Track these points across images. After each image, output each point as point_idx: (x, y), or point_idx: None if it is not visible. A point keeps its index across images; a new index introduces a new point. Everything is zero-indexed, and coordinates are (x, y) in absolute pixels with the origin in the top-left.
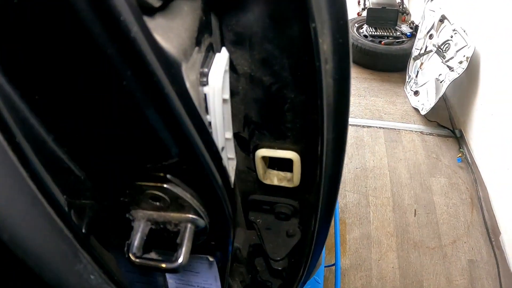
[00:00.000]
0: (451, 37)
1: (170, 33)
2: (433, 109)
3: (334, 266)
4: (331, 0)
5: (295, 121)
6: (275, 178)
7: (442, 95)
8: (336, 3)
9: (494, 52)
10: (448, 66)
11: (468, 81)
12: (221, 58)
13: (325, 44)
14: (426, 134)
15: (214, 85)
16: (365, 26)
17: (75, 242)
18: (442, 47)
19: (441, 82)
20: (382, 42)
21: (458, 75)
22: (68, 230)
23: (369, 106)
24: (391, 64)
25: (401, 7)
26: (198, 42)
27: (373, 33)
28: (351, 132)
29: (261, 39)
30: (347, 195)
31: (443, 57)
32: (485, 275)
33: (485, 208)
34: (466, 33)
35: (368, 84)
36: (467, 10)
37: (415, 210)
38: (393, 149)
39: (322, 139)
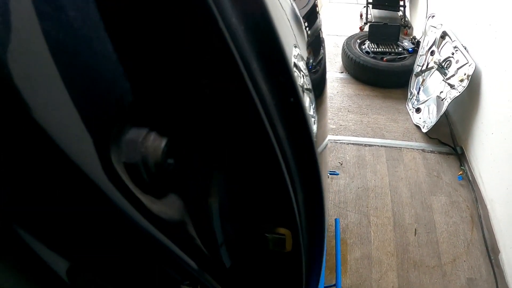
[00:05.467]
0: (452, 54)
1: None
2: (434, 125)
3: (335, 287)
4: None
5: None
6: (270, 243)
7: (444, 112)
8: None
9: (495, 70)
10: (449, 84)
11: (469, 99)
12: None
13: None
14: (428, 152)
15: None
16: (367, 43)
17: None
18: (443, 64)
19: (442, 100)
20: (384, 59)
21: (459, 93)
22: None
23: (371, 124)
24: (393, 81)
25: (403, 20)
26: None
27: (375, 49)
28: (353, 151)
29: None
30: (349, 215)
31: (444, 74)
32: None
33: (485, 227)
34: (467, 51)
35: (370, 101)
36: (468, 27)
37: (415, 229)
38: (394, 168)
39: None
